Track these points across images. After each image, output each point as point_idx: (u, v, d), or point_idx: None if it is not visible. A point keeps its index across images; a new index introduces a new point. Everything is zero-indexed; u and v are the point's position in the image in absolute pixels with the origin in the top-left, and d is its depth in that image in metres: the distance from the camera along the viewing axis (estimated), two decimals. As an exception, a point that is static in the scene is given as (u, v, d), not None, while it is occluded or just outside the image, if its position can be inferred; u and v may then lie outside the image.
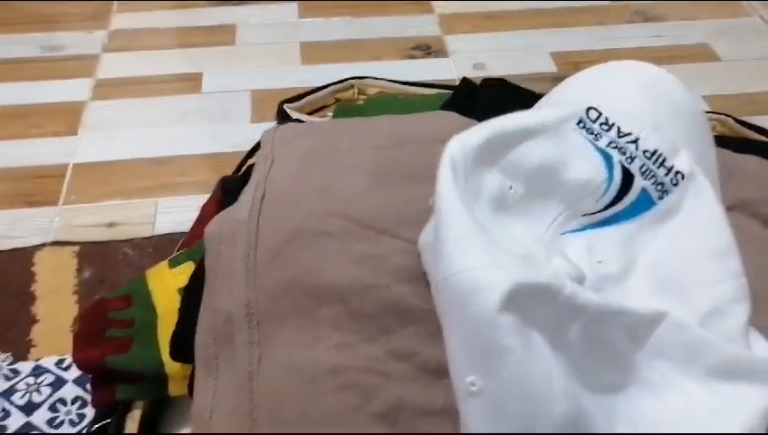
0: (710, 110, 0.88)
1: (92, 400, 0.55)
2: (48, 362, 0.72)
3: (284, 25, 1.18)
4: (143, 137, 0.97)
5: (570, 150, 0.48)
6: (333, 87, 0.83)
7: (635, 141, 0.49)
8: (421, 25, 1.18)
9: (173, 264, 0.61)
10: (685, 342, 0.44)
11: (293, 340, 0.48)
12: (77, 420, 0.68)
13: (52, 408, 0.70)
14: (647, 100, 0.53)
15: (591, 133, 0.49)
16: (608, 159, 0.49)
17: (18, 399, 0.69)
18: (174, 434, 0.55)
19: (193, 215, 0.72)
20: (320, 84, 0.84)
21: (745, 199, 0.55)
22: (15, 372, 0.72)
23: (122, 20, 1.18)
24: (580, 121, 0.50)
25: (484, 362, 0.39)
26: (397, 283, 0.48)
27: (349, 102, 0.77)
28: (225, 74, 1.07)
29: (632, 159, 0.49)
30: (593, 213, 0.50)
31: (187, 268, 0.59)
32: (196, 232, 0.64)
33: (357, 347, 0.47)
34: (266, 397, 0.46)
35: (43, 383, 0.71)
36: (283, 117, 0.77)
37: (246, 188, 0.55)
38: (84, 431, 0.62)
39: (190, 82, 1.06)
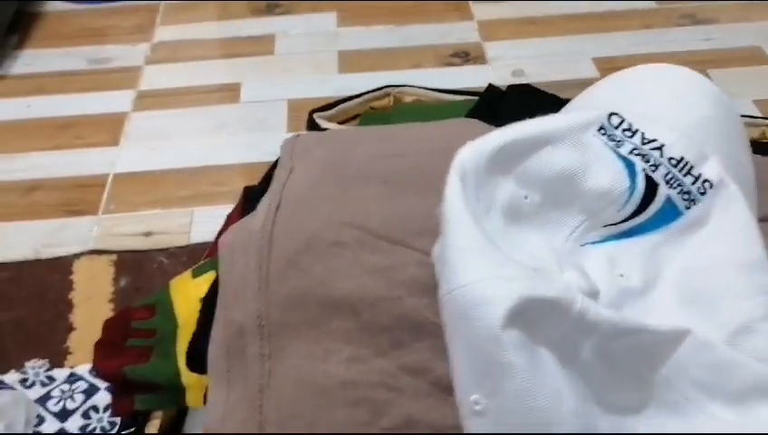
0: (760, 115, 0.84)
1: (112, 408, 0.56)
2: (82, 369, 0.74)
3: (323, 35, 1.18)
4: (182, 147, 0.99)
5: (590, 158, 0.46)
6: (368, 95, 0.82)
7: (659, 148, 0.47)
8: (461, 32, 1.16)
9: (196, 273, 0.61)
10: (710, 361, 0.41)
11: (304, 353, 0.47)
12: (108, 428, 0.69)
13: (85, 415, 0.71)
14: (676, 104, 0.51)
15: (613, 140, 0.47)
16: (630, 166, 0.47)
17: (53, 405, 0.71)
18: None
19: (228, 224, 0.72)
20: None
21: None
22: (51, 379, 0.73)
23: (165, 32, 1.21)
24: (601, 128, 0.48)
25: (487, 380, 0.38)
26: (410, 295, 0.47)
27: (378, 111, 0.76)
28: (263, 84, 1.08)
29: (656, 166, 0.47)
30: (615, 223, 0.47)
31: (209, 277, 0.58)
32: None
33: (368, 361, 0.46)
34: (275, 411, 0.46)
35: (77, 391, 0.73)
36: (312, 126, 0.77)
37: (264, 198, 0.54)
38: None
39: (229, 93, 1.07)
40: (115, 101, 1.07)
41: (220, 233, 0.63)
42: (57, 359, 0.75)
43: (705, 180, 0.46)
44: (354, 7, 1.22)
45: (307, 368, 0.46)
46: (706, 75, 0.66)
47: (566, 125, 0.46)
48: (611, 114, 0.48)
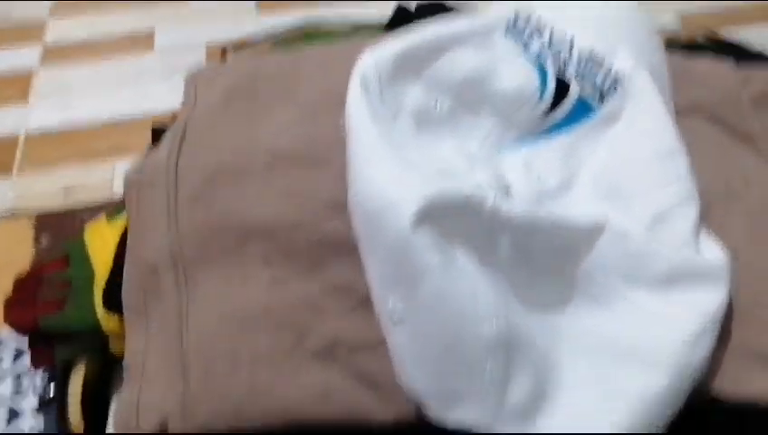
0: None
1: (31, 362, 0.53)
2: (7, 334, 0.71)
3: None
4: (97, 100, 0.95)
5: (498, 59, 0.45)
6: (284, 33, 0.79)
7: (569, 46, 0.46)
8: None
9: (111, 217, 0.58)
10: (628, 251, 0.41)
11: (223, 281, 0.45)
12: (41, 390, 0.67)
13: (17, 378, 0.69)
14: (586, 5, 0.49)
15: (522, 39, 0.46)
16: (540, 65, 0.46)
17: (-20, 372, 0.69)
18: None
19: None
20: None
21: (698, 102, 0.51)
22: (-23, 346, 0.70)
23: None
24: (509, 28, 0.46)
25: (403, 284, 0.37)
26: (328, 215, 0.46)
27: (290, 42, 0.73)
28: (178, 30, 1.04)
29: (566, 64, 0.46)
30: (529, 125, 0.46)
31: (125, 219, 0.56)
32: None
33: (290, 284, 0.45)
34: (197, 342, 0.44)
35: (5, 354, 0.70)
36: (227, 64, 0.73)
37: (167, 132, 0.52)
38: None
39: (142, 40, 1.02)
40: (20, 56, 1.01)
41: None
42: (-19, 326, 0.72)
43: (616, 74, 0.45)
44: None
45: (226, 295, 0.45)
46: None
47: (472, 26, 0.45)
48: (519, 14, 0.46)
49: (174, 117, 0.61)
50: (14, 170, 0.87)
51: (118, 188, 0.84)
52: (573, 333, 0.40)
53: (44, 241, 0.79)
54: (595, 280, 0.41)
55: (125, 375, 0.45)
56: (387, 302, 0.38)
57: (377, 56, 0.41)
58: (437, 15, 0.67)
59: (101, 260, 0.55)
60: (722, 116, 0.51)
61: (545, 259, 0.41)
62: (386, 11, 0.83)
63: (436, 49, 0.44)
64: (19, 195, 0.84)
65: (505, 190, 0.41)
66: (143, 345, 0.45)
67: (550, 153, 0.46)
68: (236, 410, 0.42)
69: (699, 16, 1.02)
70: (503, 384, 0.37)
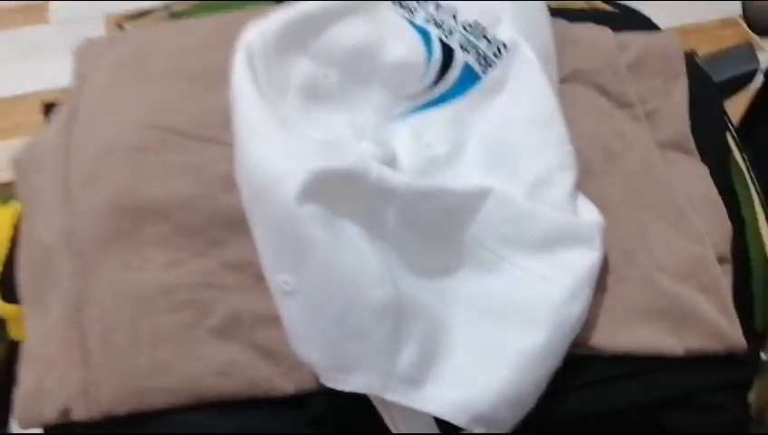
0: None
1: (-72, 353, 0.52)
2: None
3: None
4: (-11, 75, 0.91)
5: (385, 30, 0.46)
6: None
7: (453, 14, 0.47)
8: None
9: (4, 200, 0.56)
10: (511, 215, 0.43)
11: (120, 264, 0.45)
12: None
13: None
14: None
15: (407, 9, 0.47)
16: (425, 35, 0.47)
17: None
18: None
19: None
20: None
21: (580, 69, 0.53)
22: None
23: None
24: (394, -1, 0.47)
25: (291, 258, 0.38)
26: (223, 191, 0.46)
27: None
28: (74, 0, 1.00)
29: (451, 32, 0.47)
30: (417, 95, 0.47)
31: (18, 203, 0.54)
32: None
33: (188, 263, 0.45)
34: (96, 326, 0.44)
35: None
36: (123, 36, 0.71)
37: (57, 110, 0.51)
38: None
39: (36, 11, 0.98)
40: None
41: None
42: None
43: (500, 42, 0.47)
44: None
45: (124, 279, 0.45)
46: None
47: (358, -2, 0.45)
48: (405, -16, 0.47)
49: (64, 92, 0.59)
50: None
51: (15, 169, 0.81)
52: (460, 296, 0.42)
53: (-61, 227, 0.76)
54: (479, 244, 0.43)
55: (24, 365, 0.45)
56: (276, 275, 0.39)
57: (262, 30, 0.41)
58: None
59: (-3, 245, 0.54)
60: (601, 82, 0.53)
61: (432, 226, 0.42)
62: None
63: (323, 21, 0.44)
64: None
65: (392, 160, 0.42)
66: (41, 334, 0.44)
67: (438, 121, 0.47)
68: (139, 390, 0.42)
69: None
70: (393, 350, 0.38)
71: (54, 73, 0.90)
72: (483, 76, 0.47)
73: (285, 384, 0.42)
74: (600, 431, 0.43)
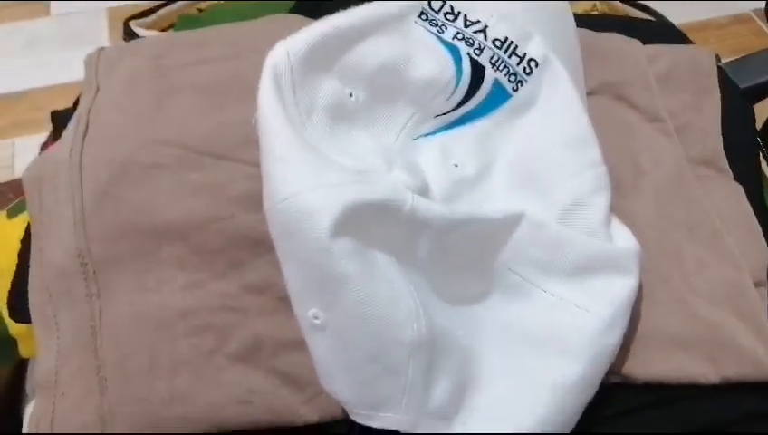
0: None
1: (-65, 373, 0.51)
2: None
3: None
4: (-11, 71, 0.89)
5: (412, 46, 0.44)
6: (190, -1, 0.75)
7: (483, 30, 0.45)
8: None
9: (12, 213, 0.55)
10: (543, 241, 0.41)
11: (135, 286, 0.44)
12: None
13: None
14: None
15: (436, 25, 0.45)
16: (455, 52, 0.45)
17: None
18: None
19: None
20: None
21: (608, 81, 0.52)
22: None
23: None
24: (422, 14, 0.45)
25: (323, 294, 0.36)
26: (243, 211, 0.44)
27: (192, 16, 0.69)
28: (75, -7, 0.97)
29: (481, 49, 0.45)
30: (446, 113, 0.46)
31: (27, 217, 0.53)
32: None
33: (207, 286, 0.44)
34: (112, 351, 0.42)
35: None
36: (130, 36, 0.69)
37: (69, 124, 0.49)
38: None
39: (37, 5, 0.96)
40: None
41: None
42: None
43: (531, 59, 0.45)
44: None
45: (140, 302, 0.43)
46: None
47: (384, 13, 0.44)
48: (432, -1, 0.45)
49: (76, 102, 0.57)
50: None
51: (20, 168, 0.79)
52: (493, 326, 0.41)
53: (-60, 229, 0.75)
54: (512, 272, 0.42)
55: (37, 390, 0.43)
56: (306, 309, 0.37)
57: (289, 47, 0.39)
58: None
59: (4, 260, 0.52)
60: (630, 95, 0.52)
61: (463, 254, 0.41)
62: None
63: (351, 38, 0.42)
64: None
65: (424, 189, 0.41)
66: (54, 363, 0.43)
67: (466, 140, 0.46)
68: (157, 418, 0.41)
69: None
70: (425, 386, 0.37)
71: (55, 69, 0.88)
72: (513, 94, 0.46)
73: (309, 412, 0.41)
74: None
